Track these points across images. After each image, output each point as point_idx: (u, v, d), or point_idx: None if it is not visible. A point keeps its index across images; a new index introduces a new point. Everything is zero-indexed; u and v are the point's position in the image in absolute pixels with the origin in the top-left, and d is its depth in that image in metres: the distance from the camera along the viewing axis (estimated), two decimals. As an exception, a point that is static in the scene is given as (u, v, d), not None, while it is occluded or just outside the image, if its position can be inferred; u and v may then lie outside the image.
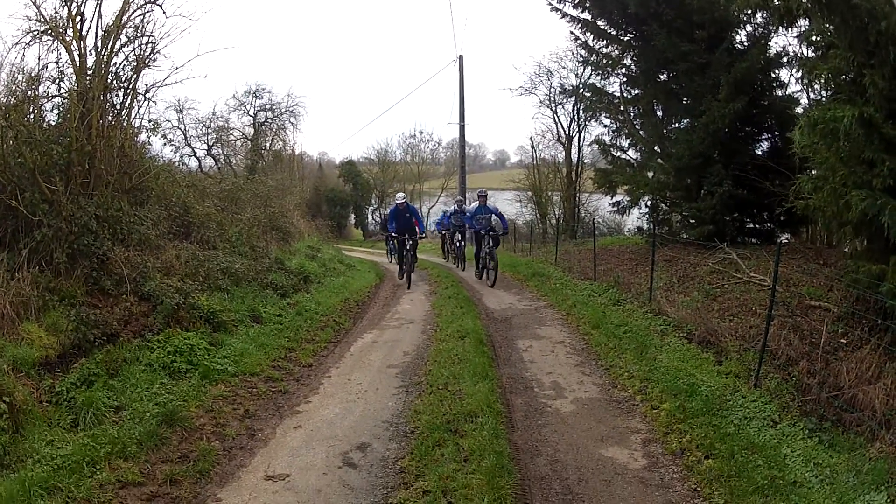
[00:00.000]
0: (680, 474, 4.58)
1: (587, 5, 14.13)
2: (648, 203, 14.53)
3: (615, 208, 15.86)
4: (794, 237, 12.86)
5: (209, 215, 10.61)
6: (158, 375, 6.03)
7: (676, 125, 14.18)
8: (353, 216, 40.77)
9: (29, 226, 6.70)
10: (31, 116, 7.51)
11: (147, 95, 8.70)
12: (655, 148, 14.24)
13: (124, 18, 8.07)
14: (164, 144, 25.98)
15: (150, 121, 9.51)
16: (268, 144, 33.82)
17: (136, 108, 8.70)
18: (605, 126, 16.96)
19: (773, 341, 6.54)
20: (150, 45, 8.42)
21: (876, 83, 6.13)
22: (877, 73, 6.12)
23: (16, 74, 7.70)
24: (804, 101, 12.28)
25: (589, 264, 12.60)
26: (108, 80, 7.98)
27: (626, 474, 4.60)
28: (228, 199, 12.60)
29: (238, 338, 7.63)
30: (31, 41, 7.69)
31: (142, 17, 8.30)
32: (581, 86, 22.63)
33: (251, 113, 32.92)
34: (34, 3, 7.57)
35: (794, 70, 12.32)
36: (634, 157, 15.32)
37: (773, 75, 12.74)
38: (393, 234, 13.92)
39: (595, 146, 18.18)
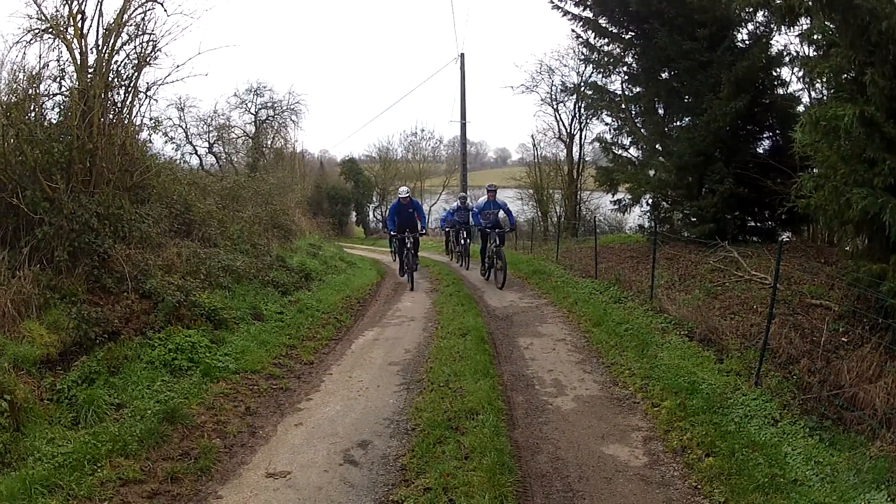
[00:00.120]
0: (681, 472, 4.59)
1: (588, 3, 14.10)
2: (650, 201, 14.49)
3: (616, 206, 15.82)
4: (796, 236, 12.84)
5: (210, 213, 10.61)
6: (159, 373, 6.04)
7: (678, 123, 14.15)
8: (354, 214, 40.77)
9: (30, 224, 6.71)
10: (33, 115, 7.50)
11: (148, 93, 8.71)
12: (657, 146, 14.21)
13: (125, 16, 8.06)
14: (166, 142, 26.04)
15: (151, 119, 9.50)
16: (269, 142, 33.90)
17: (138, 106, 8.71)
18: (607, 124, 16.85)
19: (774, 339, 6.54)
20: (151, 43, 8.42)
21: (876, 82, 6.13)
22: (877, 71, 6.12)
23: (17, 73, 7.71)
24: (805, 99, 12.27)
25: (590, 262, 12.59)
26: (110, 79, 7.98)
27: (626, 472, 4.61)
28: (230, 197, 12.61)
29: (239, 335, 7.64)
30: (32, 39, 7.68)
31: (143, 15, 8.30)
32: (582, 84, 22.60)
33: (252, 111, 33.01)
34: (35, 2, 7.57)
35: (796, 69, 12.28)
36: (636, 155, 15.29)
37: (774, 74, 12.69)
38: (392, 233, 13.50)
39: (596, 144, 18.12)
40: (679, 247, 12.03)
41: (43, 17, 7.61)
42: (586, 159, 27.93)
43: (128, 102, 8.49)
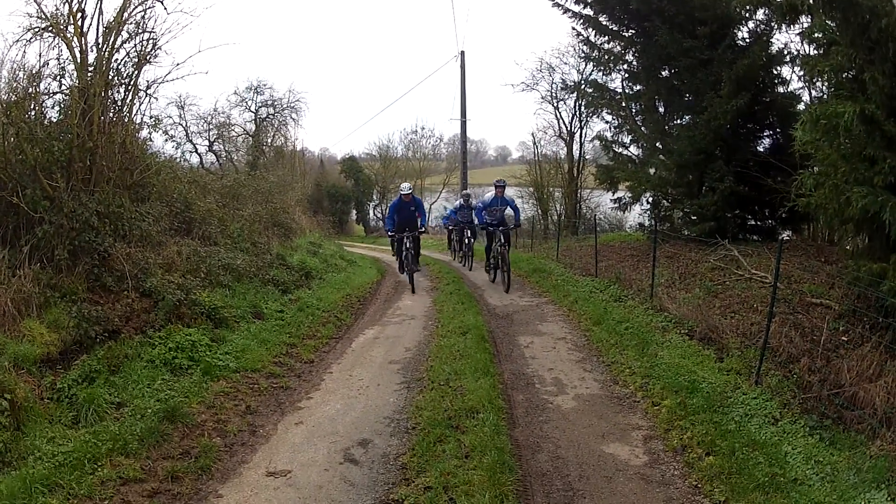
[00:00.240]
0: (681, 471, 4.59)
1: (589, 1, 14.06)
2: (650, 199, 14.49)
3: (616, 205, 15.82)
4: (796, 234, 12.83)
5: (210, 211, 10.61)
6: (160, 372, 6.04)
7: (678, 121, 14.14)
8: (354, 212, 40.77)
9: (30, 222, 6.71)
10: (33, 113, 7.51)
11: (148, 92, 8.71)
12: (657, 144, 14.20)
13: (125, 15, 8.06)
14: (166, 141, 26.11)
15: (151, 117, 9.51)
16: (269, 140, 33.91)
17: (138, 104, 8.72)
18: (607, 122, 16.79)
19: (775, 338, 6.54)
20: (151, 42, 8.42)
21: (877, 80, 6.13)
22: (877, 69, 6.12)
23: (17, 71, 7.71)
24: (806, 98, 12.27)
25: (590, 261, 12.59)
26: (110, 77, 7.98)
27: (627, 471, 4.61)
28: (230, 196, 12.61)
29: (239, 334, 7.64)
30: (32, 38, 7.68)
31: (143, 13, 8.30)
32: (583, 82, 22.61)
33: (252, 109, 33.02)
34: (35, 1, 7.57)
35: (796, 67, 12.28)
36: (636, 153, 15.25)
37: (774, 72, 12.68)
38: (390, 233, 12.83)
39: (597, 142, 18.14)
40: (679, 245, 12.03)
41: (43, 16, 7.61)
42: (586, 157, 27.97)
43: (128, 101, 8.50)
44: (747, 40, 12.54)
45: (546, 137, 30.59)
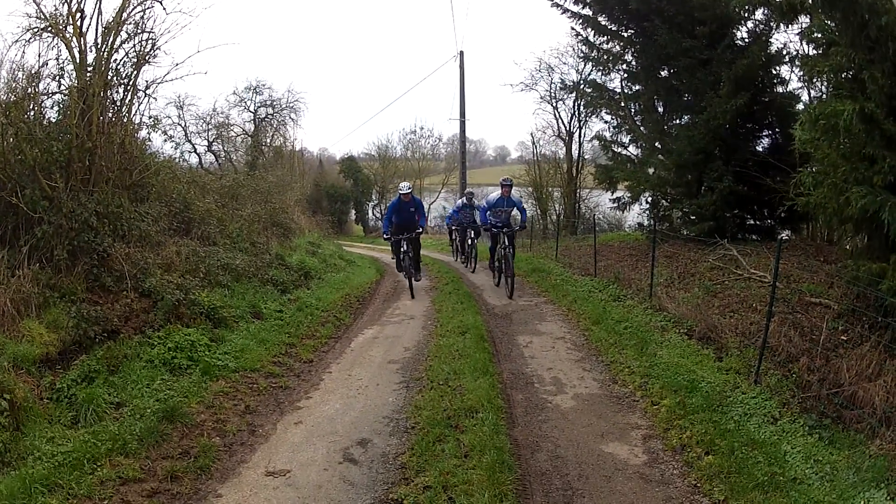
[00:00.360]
0: (680, 470, 4.59)
1: (588, 1, 14.08)
2: (649, 199, 14.50)
3: (615, 204, 15.83)
4: (795, 234, 12.84)
5: (209, 211, 10.61)
6: (159, 372, 6.04)
7: (677, 121, 14.15)
8: (353, 212, 40.74)
9: (29, 223, 6.71)
10: (32, 113, 7.51)
11: (147, 92, 8.70)
12: (656, 144, 14.21)
13: (124, 15, 8.05)
14: (165, 141, 26.03)
15: (150, 117, 9.53)
16: (268, 140, 33.87)
17: (137, 104, 8.71)
18: (606, 122, 16.80)
19: (774, 338, 6.54)
20: (150, 42, 8.42)
21: (876, 79, 6.11)
22: (877, 68, 6.11)
23: (16, 71, 7.71)
24: (805, 97, 12.29)
25: (589, 260, 12.60)
26: (109, 77, 7.98)
27: (626, 470, 4.61)
28: (229, 196, 12.62)
29: (238, 334, 7.64)
30: (31, 38, 7.68)
31: (142, 13, 8.29)
32: (582, 82, 22.58)
33: (251, 109, 33.00)
34: (34, 1, 7.57)
35: (795, 67, 12.29)
36: (635, 153, 15.26)
37: (773, 72, 12.69)
38: (385, 236, 12.05)
39: (596, 142, 18.13)
40: (678, 245, 12.04)
41: (42, 16, 7.60)
42: (585, 157, 27.95)
43: (127, 101, 8.49)
44: (746, 40, 12.56)
45: (545, 137, 30.63)
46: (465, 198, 16.00)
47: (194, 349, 6.63)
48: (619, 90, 15.33)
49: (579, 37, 15.09)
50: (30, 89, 7.58)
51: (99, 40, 7.89)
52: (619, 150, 15.44)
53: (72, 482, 4.07)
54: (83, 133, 7.28)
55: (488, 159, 64.09)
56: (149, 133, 9.62)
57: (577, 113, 27.44)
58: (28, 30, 7.62)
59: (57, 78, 7.82)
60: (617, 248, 14.44)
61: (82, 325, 6.06)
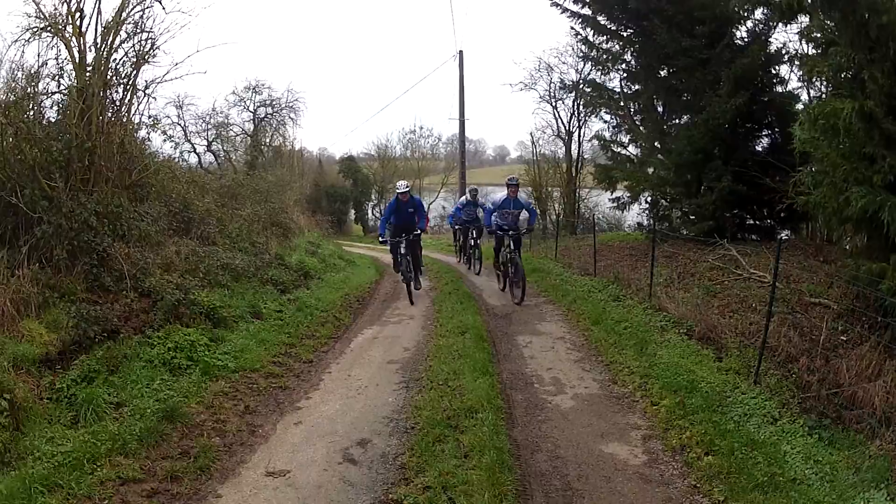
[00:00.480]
0: (680, 471, 4.59)
1: (587, 0, 14.09)
2: (648, 199, 14.50)
3: (615, 204, 15.82)
4: (795, 234, 12.84)
5: (209, 211, 10.61)
6: (159, 372, 6.04)
7: (677, 121, 14.17)
8: (353, 212, 40.65)
9: (29, 222, 6.71)
10: (31, 113, 7.52)
11: (147, 91, 8.72)
12: (655, 144, 14.21)
13: (124, 14, 8.06)
14: (164, 140, 25.90)
15: (149, 117, 9.55)
16: (267, 140, 33.76)
17: (136, 104, 8.73)
18: (606, 122, 16.74)
19: (773, 338, 6.55)
20: (149, 41, 8.43)
21: (875, 78, 6.12)
22: (876, 67, 6.10)
23: (15, 71, 7.75)
24: (804, 97, 12.29)
25: (589, 260, 12.58)
26: (108, 77, 7.98)
27: (626, 470, 4.61)
28: (228, 195, 12.62)
29: (238, 334, 7.63)
30: (30, 38, 7.70)
31: (141, 13, 8.30)
32: (581, 81, 22.51)
33: (251, 108, 32.85)
34: (33, 0, 7.57)
35: (795, 66, 12.29)
36: (634, 152, 15.26)
37: (773, 71, 12.70)
38: (381, 239, 11.28)
39: (595, 142, 18.16)
40: (678, 245, 12.02)
41: (41, 15, 7.62)
42: (585, 157, 27.85)
43: (126, 101, 8.51)
44: (746, 40, 12.57)
45: (544, 137, 30.51)
46: (468, 194, 15.25)
47: (194, 349, 6.63)
48: (618, 90, 15.33)
49: (579, 36, 15.08)
50: (29, 89, 7.60)
51: (98, 40, 7.91)
52: (619, 149, 15.44)
53: (72, 482, 4.07)
54: (83, 133, 7.29)
55: (488, 159, 63.98)
56: (148, 133, 9.66)
57: (576, 112, 27.35)
58: (27, 29, 7.64)
59: (56, 77, 7.85)
60: (616, 247, 14.42)
61: (82, 324, 6.06)
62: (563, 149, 28.21)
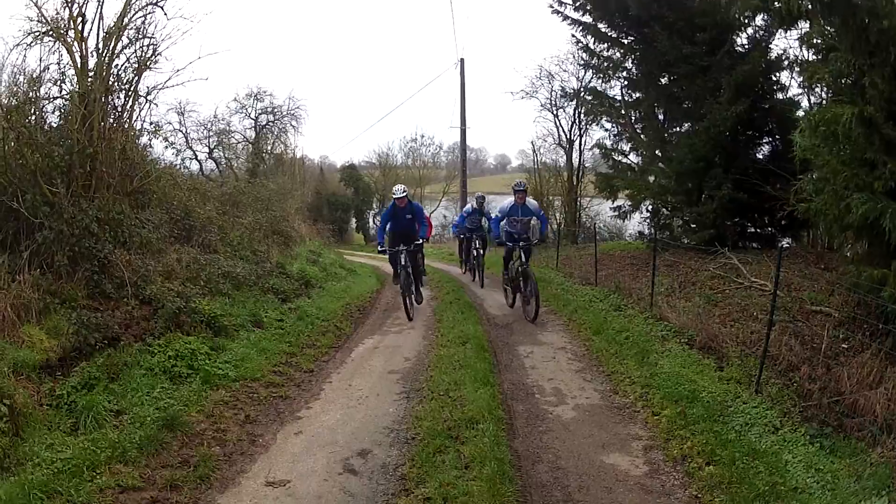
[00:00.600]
0: (681, 481, 4.56)
1: (588, 8, 14.14)
2: (649, 208, 14.52)
3: (616, 213, 15.86)
4: (796, 241, 12.84)
5: (210, 219, 10.62)
6: (159, 380, 6.02)
7: (677, 129, 14.21)
8: (354, 220, 40.71)
9: (30, 228, 6.72)
10: (33, 118, 7.53)
11: (148, 98, 8.75)
12: (656, 152, 14.23)
13: (126, 20, 8.09)
14: (166, 147, 25.90)
15: (151, 123, 9.57)
16: (269, 148, 33.87)
17: (138, 110, 8.75)
18: (607, 130, 16.79)
19: (775, 347, 6.53)
20: (151, 47, 8.45)
21: (876, 84, 6.11)
22: (877, 73, 6.10)
23: (17, 76, 7.77)
24: (805, 104, 12.34)
25: (590, 269, 12.57)
26: (110, 82, 8.00)
27: (627, 481, 4.58)
28: (230, 203, 12.62)
29: (239, 342, 7.61)
30: (32, 42, 7.72)
31: (143, 18, 8.33)
32: (582, 89, 22.66)
33: (252, 116, 32.97)
34: (35, 5, 7.61)
35: (795, 73, 12.33)
36: (635, 161, 15.28)
37: (773, 78, 12.75)
38: (380, 248, 10.54)
39: (596, 150, 18.10)
40: (679, 253, 12.01)
41: (43, 20, 7.64)
42: (586, 165, 27.88)
43: (128, 106, 8.53)
44: (746, 46, 12.61)
45: (545, 145, 30.51)
46: (474, 201, 14.51)
47: (194, 357, 6.61)
48: (619, 98, 15.38)
49: (580, 44, 15.17)
50: (31, 93, 7.61)
51: (100, 45, 7.93)
52: (620, 158, 15.45)
53: (71, 489, 4.05)
54: (84, 138, 7.30)
55: (489, 167, 64.04)
56: (150, 139, 9.68)
57: (577, 121, 27.44)
58: (29, 34, 7.67)
59: (58, 82, 7.86)
60: (618, 257, 14.42)
61: (82, 331, 6.05)
62: (564, 157, 28.32)
